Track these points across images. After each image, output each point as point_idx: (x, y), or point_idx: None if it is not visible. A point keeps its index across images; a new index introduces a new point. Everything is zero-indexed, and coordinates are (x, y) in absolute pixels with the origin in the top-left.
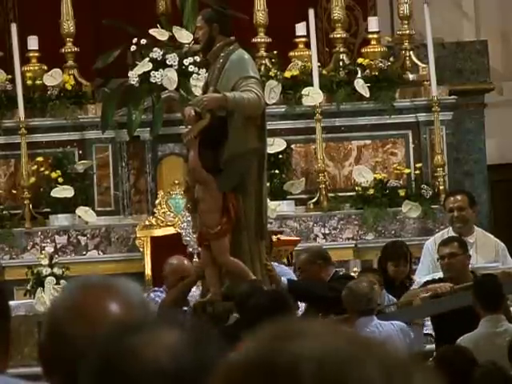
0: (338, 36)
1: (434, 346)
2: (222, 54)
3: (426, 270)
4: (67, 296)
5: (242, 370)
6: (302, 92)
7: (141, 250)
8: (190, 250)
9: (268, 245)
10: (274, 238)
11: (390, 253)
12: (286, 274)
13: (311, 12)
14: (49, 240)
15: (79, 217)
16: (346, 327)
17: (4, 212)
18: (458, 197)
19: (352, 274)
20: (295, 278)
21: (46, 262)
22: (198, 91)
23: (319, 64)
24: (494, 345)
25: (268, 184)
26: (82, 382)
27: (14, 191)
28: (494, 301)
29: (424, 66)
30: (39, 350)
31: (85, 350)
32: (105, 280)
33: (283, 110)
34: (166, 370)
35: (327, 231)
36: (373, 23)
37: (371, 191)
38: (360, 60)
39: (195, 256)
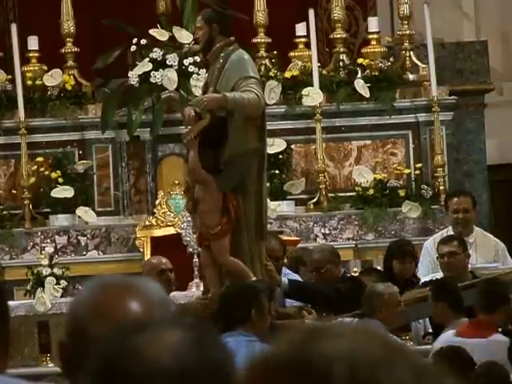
0: (338, 36)
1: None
2: (221, 55)
3: (426, 271)
4: (88, 296)
5: (275, 368)
6: (302, 92)
7: (141, 250)
8: (190, 250)
9: (281, 247)
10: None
11: (395, 251)
12: None
13: (311, 12)
14: (49, 240)
15: (79, 217)
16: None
17: (4, 212)
18: (464, 198)
19: (353, 274)
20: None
21: (46, 262)
22: (197, 91)
23: (319, 64)
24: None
25: (268, 184)
26: (86, 381)
27: (14, 191)
28: (460, 302)
29: (424, 66)
30: (60, 349)
31: None
32: (125, 279)
33: (283, 110)
34: (169, 370)
35: (327, 231)
36: (373, 23)
37: (371, 191)
38: (360, 60)
39: (195, 256)
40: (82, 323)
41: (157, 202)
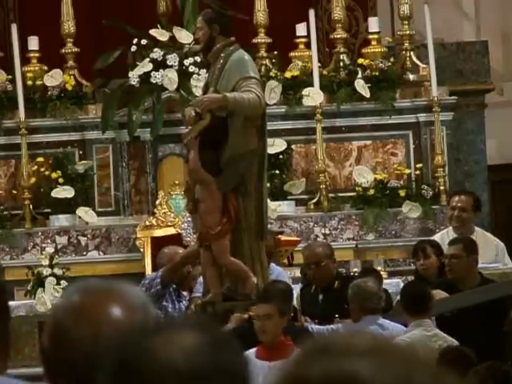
0: (339, 36)
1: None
2: (222, 55)
3: None
4: (69, 299)
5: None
6: (303, 92)
7: (141, 250)
8: None
9: (273, 246)
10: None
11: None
12: (282, 276)
13: (311, 12)
14: (49, 240)
15: (80, 217)
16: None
17: (4, 212)
18: (463, 197)
19: (352, 274)
20: (288, 280)
21: (46, 262)
22: (198, 92)
23: (319, 64)
24: (427, 347)
25: (268, 184)
26: (100, 382)
27: (15, 192)
28: (420, 304)
29: (424, 66)
30: (42, 353)
31: (87, 352)
32: (106, 283)
33: (284, 110)
34: (181, 371)
35: (327, 231)
36: (373, 23)
37: (371, 191)
38: (360, 60)
39: None
40: (63, 327)
41: (157, 202)
